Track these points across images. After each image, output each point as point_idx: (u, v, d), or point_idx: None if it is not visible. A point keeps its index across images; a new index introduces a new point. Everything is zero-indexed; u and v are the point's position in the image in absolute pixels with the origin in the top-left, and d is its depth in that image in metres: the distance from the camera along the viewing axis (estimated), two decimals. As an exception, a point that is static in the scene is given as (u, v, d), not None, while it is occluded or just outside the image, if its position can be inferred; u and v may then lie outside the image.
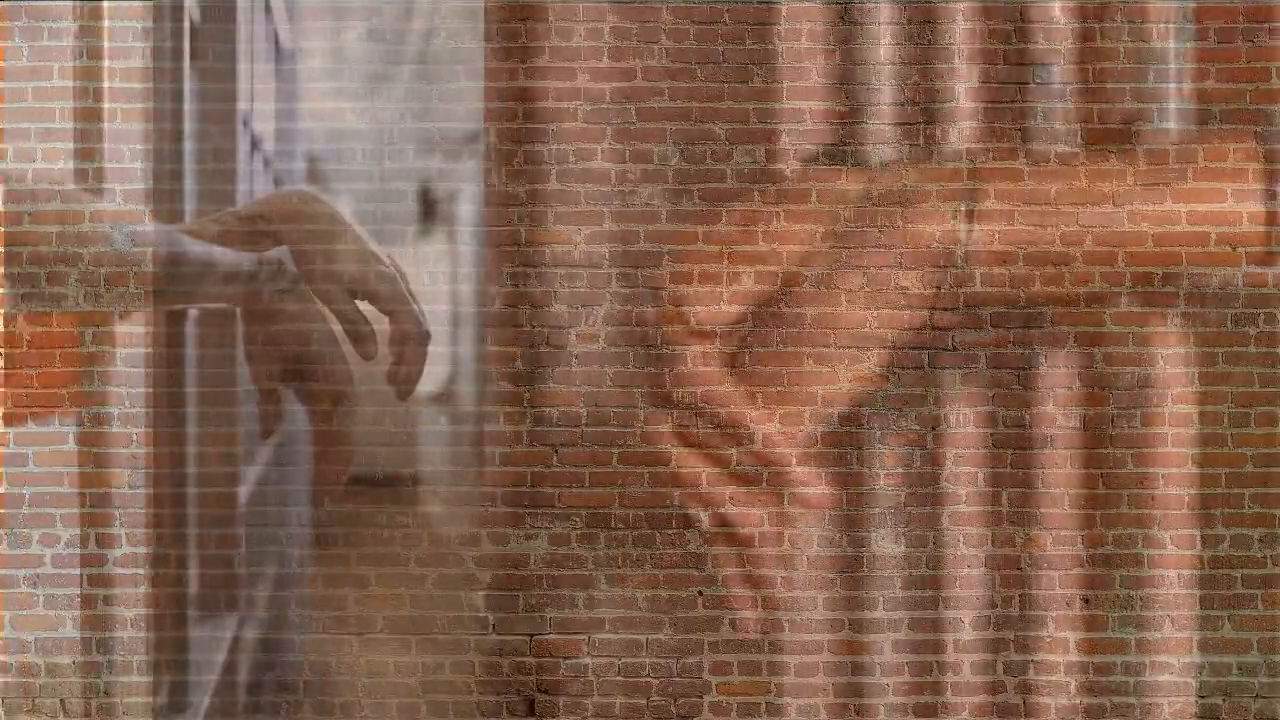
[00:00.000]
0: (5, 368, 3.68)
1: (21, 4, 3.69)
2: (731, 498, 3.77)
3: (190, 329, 3.84)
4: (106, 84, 3.73)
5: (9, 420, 3.69)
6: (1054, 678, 3.76)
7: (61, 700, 3.71)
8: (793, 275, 3.76)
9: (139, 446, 3.71)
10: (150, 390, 3.73)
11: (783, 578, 3.78)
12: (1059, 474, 3.76)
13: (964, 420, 3.77)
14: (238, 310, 3.76)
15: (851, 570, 3.78)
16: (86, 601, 3.70)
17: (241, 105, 3.89)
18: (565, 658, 3.79)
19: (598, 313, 3.77)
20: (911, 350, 3.78)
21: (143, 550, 3.69)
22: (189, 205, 3.80)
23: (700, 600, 3.79)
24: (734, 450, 3.77)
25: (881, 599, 3.78)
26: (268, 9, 3.99)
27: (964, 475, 3.77)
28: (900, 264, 3.76)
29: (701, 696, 3.78)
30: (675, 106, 3.80)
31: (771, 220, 3.76)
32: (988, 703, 3.76)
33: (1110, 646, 3.76)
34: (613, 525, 3.79)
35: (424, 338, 3.78)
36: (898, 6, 3.79)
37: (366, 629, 3.79)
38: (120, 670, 3.74)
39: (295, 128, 3.88)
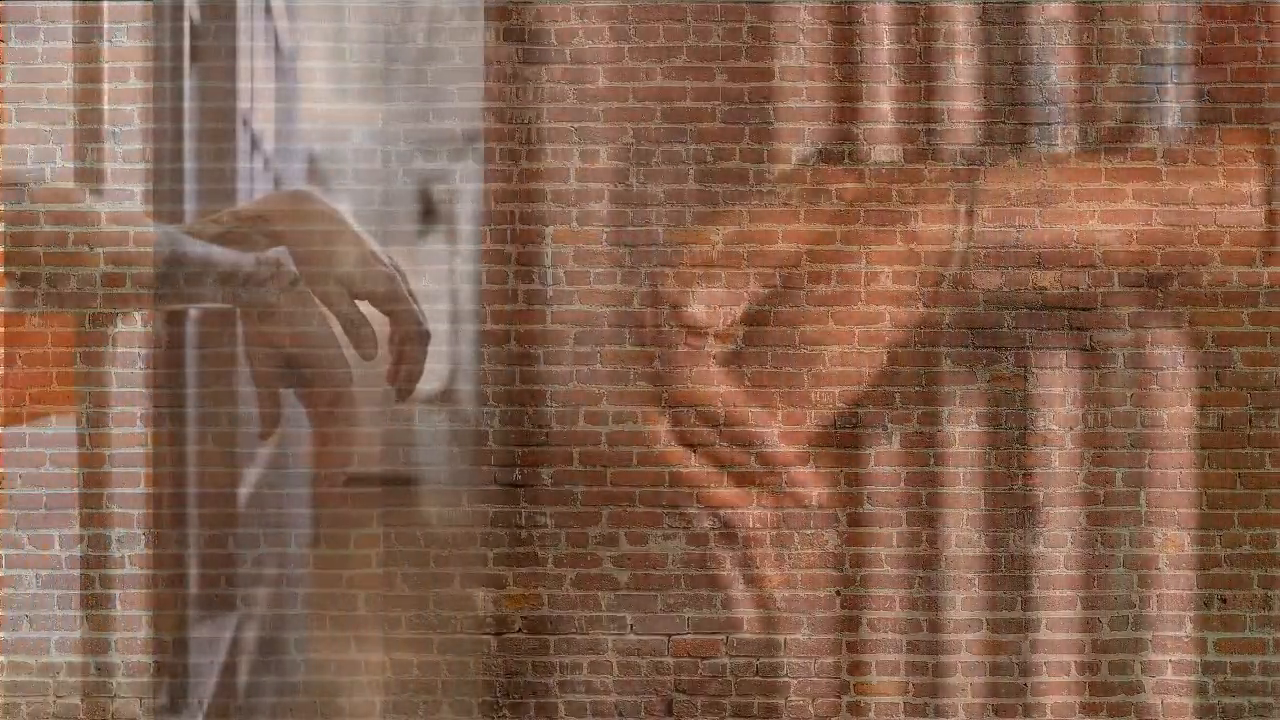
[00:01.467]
0: (5, 367, 3.67)
1: (22, 4, 3.69)
2: (870, 497, 3.77)
3: (190, 329, 3.84)
4: (106, 84, 3.72)
5: (8, 420, 3.68)
6: (1192, 678, 3.76)
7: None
8: (930, 275, 3.76)
9: (139, 447, 3.71)
10: (150, 390, 3.72)
11: (920, 578, 3.78)
12: (1197, 474, 3.76)
13: (1102, 420, 3.77)
14: (238, 310, 3.75)
15: (990, 570, 3.78)
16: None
17: (241, 105, 3.88)
18: (703, 658, 3.79)
19: (736, 313, 3.77)
20: (1049, 350, 3.78)
21: (142, 550, 3.69)
22: (189, 205, 3.80)
23: (838, 600, 3.79)
24: (872, 450, 3.77)
25: (1019, 599, 3.78)
26: (268, 9, 3.98)
27: (1102, 475, 3.77)
28: (1039, 264, 3.76)
29: (839, 696, 3.78)
30: (812, 107, 3.79)
31: (910, 220, 3.76)
32: (1125, 703, 3.76)
33: (1248, 646, 3.76)
34: (750, 525, 3.78)
35: (424, 338, 3.78)
36: (1036, 6, 3.79)
37: (504, 629, 3.78)
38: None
39: (296, 128, 3.88)
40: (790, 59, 3.80)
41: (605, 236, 3.80)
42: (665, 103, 3.80)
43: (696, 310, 3.77)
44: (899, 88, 3.80)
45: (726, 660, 3.79)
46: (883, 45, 3.79)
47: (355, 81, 3.82)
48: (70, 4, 3.72)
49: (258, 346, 3.77)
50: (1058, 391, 3.78)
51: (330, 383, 3.77)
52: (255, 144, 3.98)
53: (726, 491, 3.77)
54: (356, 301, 3.76)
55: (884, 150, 3.78)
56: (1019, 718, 3.77)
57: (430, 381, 3.81)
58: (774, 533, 3.78)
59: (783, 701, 3.78)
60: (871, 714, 3.78)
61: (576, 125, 3.80)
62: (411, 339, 3.78)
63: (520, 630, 3.79)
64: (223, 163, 3.83)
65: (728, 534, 3.78)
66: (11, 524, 3.69)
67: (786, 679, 3.79)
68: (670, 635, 3.79)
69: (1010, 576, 3.78)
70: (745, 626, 3.78)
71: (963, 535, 3.78)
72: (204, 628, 3.76)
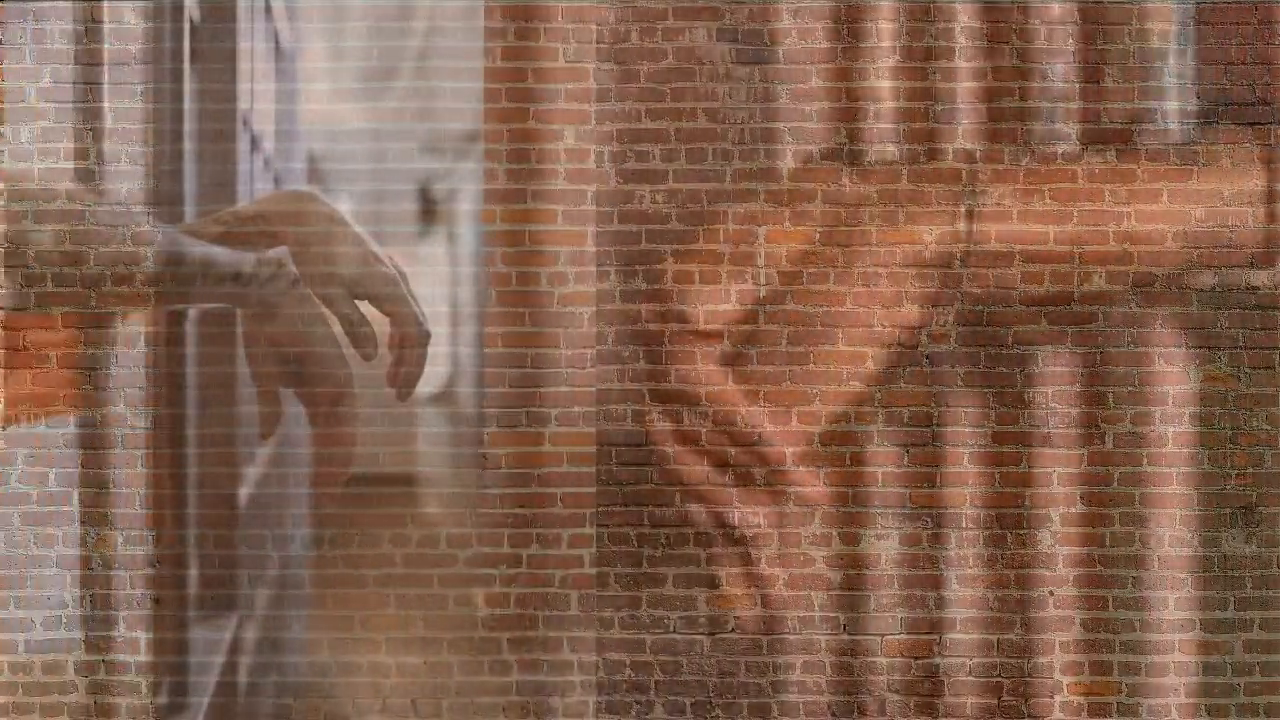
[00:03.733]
0: (5, 368, 3.67)
1: (22, 4, 3.69)
2: (1083, 497, 3.78)
3: (190, 329, 3.84)
4: (106, 84, 3.73)
5: (9, 420, 3.69)
6: (1405, 677, 3.77)
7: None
8: (1143, 274, 3.76)
9: (139, 447, 3.71)
10: (150, 390, 3.73)
11: (1133, 578, 3.78)
12: None
13: (1314, 420, 3.78)
14: (238, 310, 3.75)
15: (1202, 570, 3.78)
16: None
17: (241, 105, 3.87)
18: (916, 658, 3.79)
19: (949, 313, 3.77)
20: (1262, 350, 3.78)
21: (142, 551, 3.70)
22: (189, 205, 3.80)
23: (1051, 600, 3.78)
24: (1084, 450, 3.78)
25: (1232, 599, 3.78)
26: (268, 9, 3.98)
27: (1314, 475, 3.78)
28: (1252, 263, 3.76)
29: (1052, 696, 3.78)
30: (1025, 106, 3.80)
31: (1123, 220, 3.76)
32: (1339, 702, 3.77)
33: None
34: (964, 525, 3.78)
35: (424, 338, 3.78)
36: (1249, 6, 3.79)
37: (718, 629, 3.79)
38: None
39: (296, 128, 3.88)
40: (1003, 59, 3.80)
41: (818, 237, 3.80)
42: (877, 102, 3.80)
43: (908, 310, 3.78)
44: (1114, 88, 3.79)
45: (939, 660, 3.79)
46: (1096, 44, 3.79)
47: (355, 81, 3.83)
48: (70, 4, 3.72)
49: (258, 346, 3.77)
50: (1270, 391, 3.78)
51: (330, 383, 3.77)
52: (255, 144, 3.98)
53: (940, 491, 3.77)
54: (356, 302, 3.77)
55: (1097, 148, 3.78)
56: (1232, 718, 3.76)
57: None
58: (987, 533, 3.78)
59: (995, 701, 3.78)
60: (1085, 714, 3.77)
61: (789, 125, 3.81)
62: (411, 339, 3.78)
63: (733, 630, 3.79)
64: (223, 163, 3.83)
65: (939, 534, 3.78)
66: (12, 523, 3.69)
67: (999, 679, 3.78)
68: (883, 635, 3.79)
69: (1223, 576, 3.78)
70: (958, 626, 3.78)
71: (1175, 535, 3.78)
72: (204, 628, 3.76)
